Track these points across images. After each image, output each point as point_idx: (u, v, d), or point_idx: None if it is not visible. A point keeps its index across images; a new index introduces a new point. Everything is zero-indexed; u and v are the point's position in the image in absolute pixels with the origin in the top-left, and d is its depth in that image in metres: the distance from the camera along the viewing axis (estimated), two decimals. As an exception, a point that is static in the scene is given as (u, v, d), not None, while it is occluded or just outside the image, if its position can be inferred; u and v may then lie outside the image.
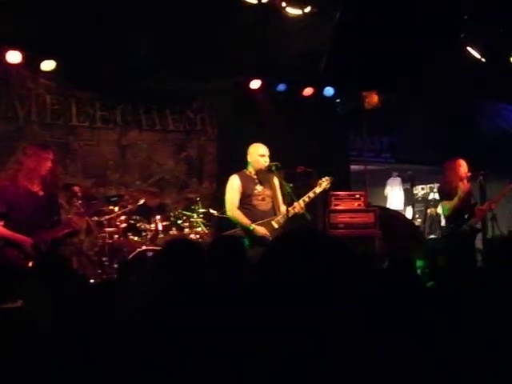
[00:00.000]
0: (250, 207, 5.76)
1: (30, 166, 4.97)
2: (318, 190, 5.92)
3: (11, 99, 7.21)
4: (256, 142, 7.96)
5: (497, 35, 6.92)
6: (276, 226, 5.69)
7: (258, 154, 5.82)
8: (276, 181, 5.94)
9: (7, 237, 4.86)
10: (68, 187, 6.58)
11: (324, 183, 5.97)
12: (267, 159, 5.81)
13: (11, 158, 6.89)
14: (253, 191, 5.78)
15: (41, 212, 5.03)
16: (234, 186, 5.81)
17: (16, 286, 4.75)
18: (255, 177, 5.85)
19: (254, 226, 5.62)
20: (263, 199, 5.80)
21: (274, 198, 5.86)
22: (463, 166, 6.63)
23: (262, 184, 5.84)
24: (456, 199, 6.44)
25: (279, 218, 5.74)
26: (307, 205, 5.81)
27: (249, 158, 5.91)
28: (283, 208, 5.82)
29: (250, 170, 5.89)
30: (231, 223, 5.90)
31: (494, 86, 8.72)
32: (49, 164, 5.06)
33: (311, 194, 5.86)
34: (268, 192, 5.84)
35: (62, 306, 2.36)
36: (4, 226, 4.90)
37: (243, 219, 5.68)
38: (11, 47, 6.70)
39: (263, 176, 5.86)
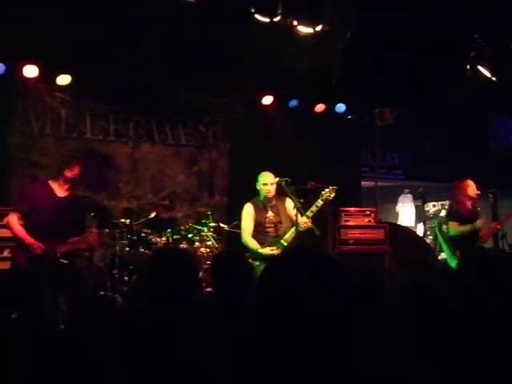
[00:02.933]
0: (263, 233, 5.92)
1: (68, 176, 5.14)
2: (320, 202, 5.82)
3: (26, 112, 7.33)
4: (267, 156, 8.05)
5: (506, 54, 6.93)
6: (285, 243, 5.79)
7: (262, 183, 5.92)
8: (289, 203, 5.92)
9: (21, 238, 4.95)
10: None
11: (326, 195, 5.86)
12: (269, 188, 5.87)
13: (25, 171, 7.01)
14: (264, 219, 5.93)
15: (61, 218, 5.08)
16: (247, 214, 5.99)
17: (23, 291, 4.80)
18: (266, 203, 5.96)
19: (260, 249, 5.77)
20: (275, 225, 5.93)
21: (283, 221, 5.92)
22: (471, 186, 6.58)
23: (272, 211, 5.95)
24: (469, 227, 6.41)
25: (287, 236, 5.80)
26: (314, 219, 5.81)
27: (257, 186, 6.03)
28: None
29: (261, 197, 5.99)
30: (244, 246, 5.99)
31: (507, 104, 8.73)
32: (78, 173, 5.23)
33: (314, 209, 5.78)
34: (278, 218, 5.93)
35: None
36: (23, 225, 5.01)
37: (252, 244, 5.86)
38: (28, 61, 6.82)
39: (273, 203, 5.96)
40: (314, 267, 1.33)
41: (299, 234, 5.72)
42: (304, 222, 5.65)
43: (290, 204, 5.91)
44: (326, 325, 1.26)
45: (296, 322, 1.27)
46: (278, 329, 1.27)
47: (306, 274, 1.31)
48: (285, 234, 5.86)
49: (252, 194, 6.28)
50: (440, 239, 6.71)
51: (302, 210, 5.69)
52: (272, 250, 5.73)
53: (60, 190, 5.18)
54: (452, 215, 6.76)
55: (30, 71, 6.91)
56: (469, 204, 6.57)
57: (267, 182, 5.88)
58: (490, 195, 6.78)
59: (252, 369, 1.39)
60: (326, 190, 5.89)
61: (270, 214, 5.93)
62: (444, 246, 6.59)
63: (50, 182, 5.20)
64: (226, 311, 2.88)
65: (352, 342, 1.26)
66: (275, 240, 5.83)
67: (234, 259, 3.57)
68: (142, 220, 7.19)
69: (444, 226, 6.84)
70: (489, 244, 6.90)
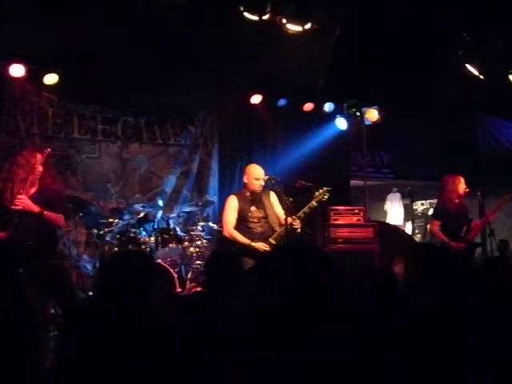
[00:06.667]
0: (247, 229, 5.73)
1: (22, 176, 4.89)
2: (313, 203, 5.79)
3: (13, 112, 7.26)
4: (257, 156, 8.05)
5: (494, 53, 6.97)
6: (274, 242, 5.65)
7: (253, 178, 5.77)
8: (273, 197, 5.87)
9: None
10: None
11: (320, 196, 5.84)
12: (262, 182, 5.77)
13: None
14: (248, 213, 5.75)
15: (31, 217, 4.90)
16: (231, 206, 5.79)
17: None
18: (250, 198, 5.81)
19: (253, 243, 5.60)
20: (259, 220, 5.77)
21: (269, 216, 5.79)
22: (462, 183, 6.64)
23: (256, 206, 5.79)
24: (446, 240, 6.42)
25: (276, 234, 5.70)
26: (306, 218, 5.76)
27: (244, 179, 5.88)
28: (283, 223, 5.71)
29: (246, 190, 5.86)
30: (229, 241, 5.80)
31: (495, 103, 8.78)
32: (39, 169, 4.95)
33: (307, 210, 5.75)
34: (262, 213, 5.79)
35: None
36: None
37: (241, 238, 5.67)
38: (15, 61, 6.76)
39: (258, 197, 5.82)
40: (309, 260, 1.32)
41: (288, 233, 5.59)
42: (294, 220, 5.57)
43: (274, 197, 5.86)
44: (322, 320, 1.26)
45: (291, 317, 1.26)
46: (275, 326, 1.27)
47: (304, 266, 1.31)
48: (271, 229, 5.76)
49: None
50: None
51: (291, 209, 5.66)
52: (265, 246, 5.56)
53: (30, 188, 4.90)
54: (437, 213, 6.81)
55: (17, 70, 6.83)
56: (456, 200, 6.63)
57: (260, 176, 5.77)
58: (478, 193, 6.83)
59: (247, 366, 1.39)
60: (320, 190, 5.86)
61: (253, 208, 5.77)
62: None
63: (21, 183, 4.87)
64: (217, 310, 2.87)
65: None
66: (262, 237, 5.69)
67: (231, 259, 3.55)
68: (131, 220, 7.15)
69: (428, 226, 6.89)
70: (477, 240, 6.96)
